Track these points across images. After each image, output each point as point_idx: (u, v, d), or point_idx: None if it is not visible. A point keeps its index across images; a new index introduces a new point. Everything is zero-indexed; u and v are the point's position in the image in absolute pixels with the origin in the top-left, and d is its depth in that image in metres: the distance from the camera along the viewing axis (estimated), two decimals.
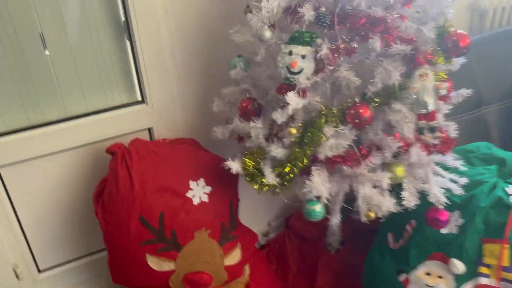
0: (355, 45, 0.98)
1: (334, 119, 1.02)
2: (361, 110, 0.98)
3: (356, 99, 1.00)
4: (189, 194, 1.18)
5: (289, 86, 1.01)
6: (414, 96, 0.96)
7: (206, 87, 1.39)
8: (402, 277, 1.19)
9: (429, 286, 1.14)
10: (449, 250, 1.10)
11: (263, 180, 1.07)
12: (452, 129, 1.06)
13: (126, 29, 1.24)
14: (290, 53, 0.99)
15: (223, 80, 1.22)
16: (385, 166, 1.05)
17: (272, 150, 1.06)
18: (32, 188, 1.31)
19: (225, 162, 1.10)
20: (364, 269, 1.35)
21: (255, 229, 1.41)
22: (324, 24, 0.97)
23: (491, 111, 1.63)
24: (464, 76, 1.16)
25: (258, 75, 1.17)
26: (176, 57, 1.30)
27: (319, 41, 0.98)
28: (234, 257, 1.26)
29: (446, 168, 1.13)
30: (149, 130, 1.38)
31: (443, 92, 0.98)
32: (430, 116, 0.99)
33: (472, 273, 1.08)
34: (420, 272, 1.15)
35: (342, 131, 1.00)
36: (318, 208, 1.05)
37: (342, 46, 0.97)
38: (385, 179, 1.01)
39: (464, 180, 1.10)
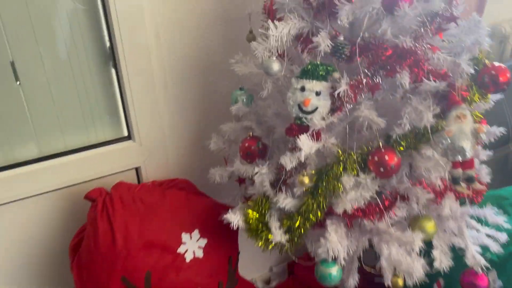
0: (379, 80, 0.85)
1: (353, 166, 0.88)
2: (386, 157, 0.84)
3: (380, 143, 0.86)
4: (181, 250, 1.07)
5: (300, 127, 0.88)
6: (449, 140, 0.83)
7: (203, 123, 1.31)
8: None
9: None
10: None
11: (269, 236, 0.94)
12: (484, 173, 0.98)
13: (111, 56, 1.14)
14: (303, 89, 0.85)
15: (222, 115, 1.14)
16: (412, 220, 0.93)
17: (280, 201, 0.93)
18: None
19: (224, 216, 0.98)
20: None
21: (256, 275, 1.29)
22: (343, 56, 0.84)
23: None
24: (491, 111, 1.04)
25: (263, 111, 1.05)
26: (168, 88, 1.22)
27: (336, 75, 0.85)
28: None
29: (480, 220, 1.01)
30: (137, 170, 1.28)
31: (483, 136, 0.85)
32: (467, 164, 0.86)
33: None
34: None
35: (363, 181, 0.86)
36: (335, 271, 0.92)
37: (364, 81, 0.83)
38: (417, 241, 0.85)
39: (504, 237, 0.96)
